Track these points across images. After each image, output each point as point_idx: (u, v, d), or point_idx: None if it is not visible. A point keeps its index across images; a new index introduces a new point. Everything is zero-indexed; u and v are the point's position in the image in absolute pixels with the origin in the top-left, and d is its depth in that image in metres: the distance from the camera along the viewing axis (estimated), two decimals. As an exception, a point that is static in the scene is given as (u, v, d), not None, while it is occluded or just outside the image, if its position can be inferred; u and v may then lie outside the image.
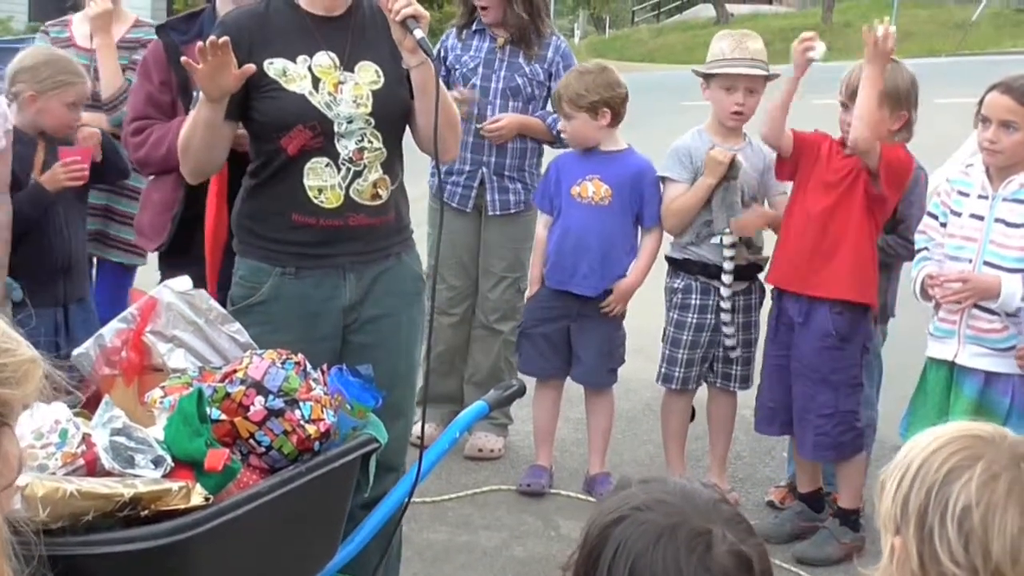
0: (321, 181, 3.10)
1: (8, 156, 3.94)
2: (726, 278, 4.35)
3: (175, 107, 3.69)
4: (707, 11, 37.05)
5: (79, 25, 4.79)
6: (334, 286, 3.17)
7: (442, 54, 4.92)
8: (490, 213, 4.84)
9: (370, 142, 3.12)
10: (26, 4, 24.43)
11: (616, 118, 4.46)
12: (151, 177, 3.86)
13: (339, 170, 3.11)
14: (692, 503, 1.46)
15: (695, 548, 1.41)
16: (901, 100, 3.96)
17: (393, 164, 3.19)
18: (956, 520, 1.50)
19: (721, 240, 4.34)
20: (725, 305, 4.38)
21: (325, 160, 3.10)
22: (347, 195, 3.12)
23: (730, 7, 35.72)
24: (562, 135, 4.59)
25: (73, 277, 4.25)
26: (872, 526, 4.23)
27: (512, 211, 4.85)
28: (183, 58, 2.96)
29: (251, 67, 2.98)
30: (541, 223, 4.62)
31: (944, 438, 1.57)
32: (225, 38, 2.91)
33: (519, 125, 4.77)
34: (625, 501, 1.49)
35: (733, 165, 4.27)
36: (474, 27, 4.89)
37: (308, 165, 3.09)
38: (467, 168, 4.82)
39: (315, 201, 3.10)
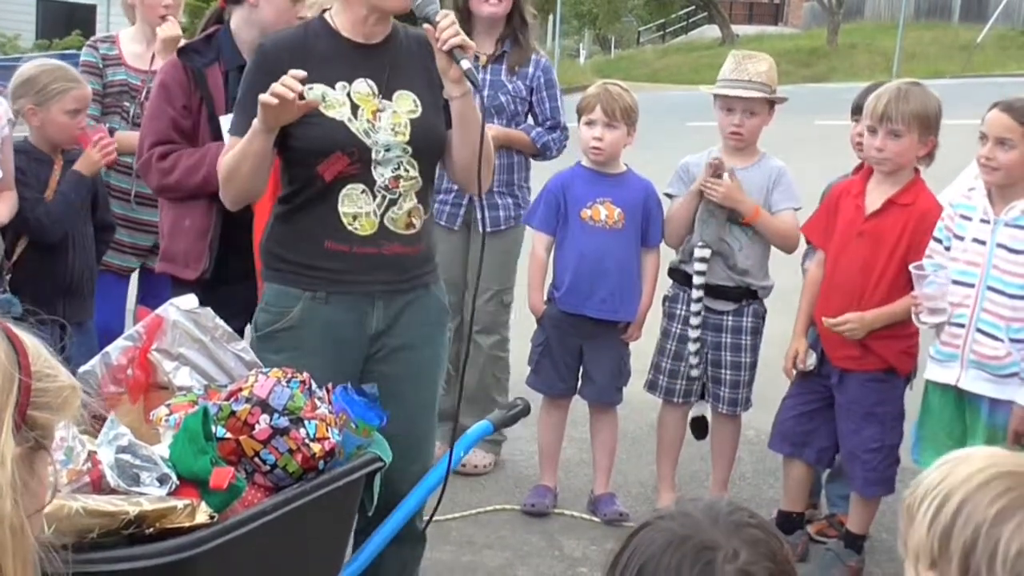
0: (356, 208, 3.06)
1: (10, 147, 4.00)
2: (695, 292, 4.38)
3: (196, 132, 3.66)
4: (712, 32, 37.22)
5: (128, 43, 4.72)
6: (363, 313, 3.13)
7: None
8: (480, 231, 4.82)
9: (406, 170, 3.09)
10: (33, 22, 24.59)
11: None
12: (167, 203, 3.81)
13: (374, 197, 3.07)
14: (714, 519, 1.46)
15: (699, 560, 1.42)
16: (931, 126, 3.91)
17: (426, 194, 3.17)
18: (1009, 563, 1.46)
19: (692, 253, 4.37)
20: (694, 321, 4.41)
21: (361, 187, 3.06)
22: (382, 223, 3.08)
23: (736, 28, 35.90)
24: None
25: (75, 299, 4.23)
26: (876, 549, 4.23)
27: (502, 227, 4.85)
28: (262, 95, 2.87)
29: (316, 101, 2.97)
30: (542, 244, 4.58)
31: (988, 472, 1.53)
32: (303, 73, 2.88)
33: (503, 138, 4.75)
34: (657, 512, 1.53)
35: (719, 172, 4.28)
36: None
37: (343, 192, 3.05)
38: (454, 187, 4.81)
39: (349, 228, 3.06)
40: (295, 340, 3.08)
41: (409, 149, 3.07)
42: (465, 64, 2.93)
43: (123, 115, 4.61)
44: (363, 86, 3.06)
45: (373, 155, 3.04)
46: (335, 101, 3.03)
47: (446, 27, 2.92)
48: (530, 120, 4.88)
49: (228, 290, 3.47)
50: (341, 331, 3.11)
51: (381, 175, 3.06)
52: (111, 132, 4.47)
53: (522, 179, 4.90)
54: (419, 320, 3.19)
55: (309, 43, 3.08)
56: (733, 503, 1.54)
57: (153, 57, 4.58)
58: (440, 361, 3.28)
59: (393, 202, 3.09)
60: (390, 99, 3.08)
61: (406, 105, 3.09)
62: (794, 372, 4.15)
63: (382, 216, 3.08)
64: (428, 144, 3.11)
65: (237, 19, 3.70)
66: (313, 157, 3.03)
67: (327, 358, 3.03)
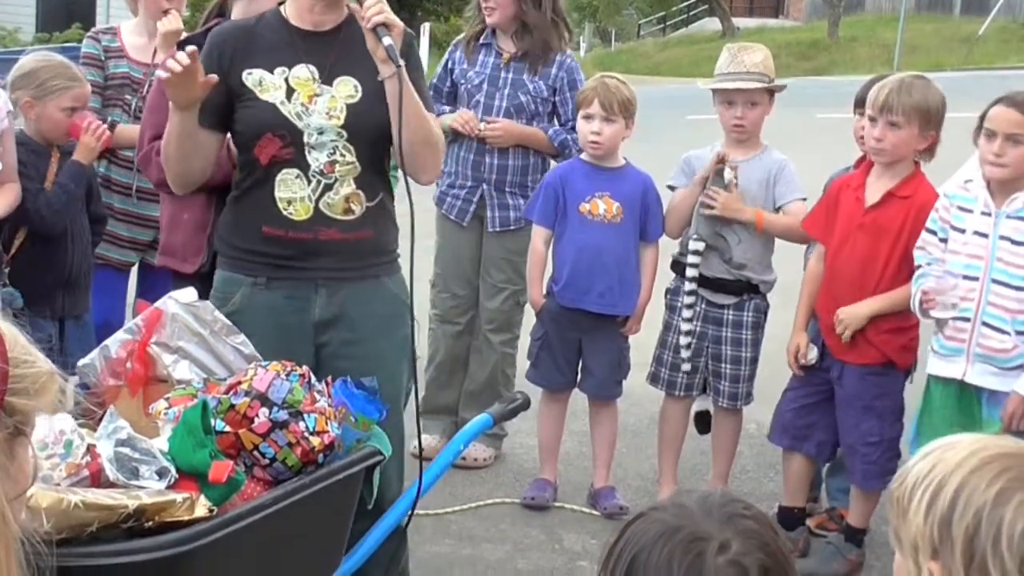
0: (291, 193, 3.09)
1: (11, 139, 4.01)
2: (687, 285, 4.39)
3: None
4: (713, 24, 37.13)
5: (129, 36, 4.70)
6: (305, 299, 3.14)
7: (449, 65, 4.93)
8: (490, 229, 4.83)
9: (342, 155, 3.10)
10: (33, 15, 24.52)
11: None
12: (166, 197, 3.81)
13: (309, 182, 3.09)
14: (707, 510, 1.46)
15: (690, 551, 1.42)
16: (932, 120, 3.88)
17: (370, 180, 3.15)
18: (1015, 543, 1.44)
19: (688, 244, 4.38)
20: (686, 314, 4.41)
21: (295, 172, 3.09)
22: (316, 208, 3.09)
23: (736, 21, 35.79)
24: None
25: (73, 291, 4.22)
26: (876, 542, 4.23)
27: (512, 227, 4.84)
28: (157, 71, 2.97)
29: (214, 77, 2.99)
30: (540, 238, 4.57)
31: (980, 456, 1.51)
32: (193, 48, 2.92)
33: (520, 136, 4.76)
34: (653, 504, 1.53)
35: (721, 166, 4.27)
36: (481, 40, 4.88)
37: (279, 176, 3.09)
38: (468, 184, 4.82)
39: (284, 212, 3.09)
40: (238, 325, 3.01)
41: (344, 133, 3.09)
42: (387, 41, 2.92)
43: (124, 108, 4.59)
44: (303, 71, 3.11)
45: (305, 138, 3.07)
46: (271, 85, 3.09)
47: (371, 5, 2.95)
48: (555, 122, 4.87)
49: None
50: (283, 317, 3.12)
51: (316, 159, 3.09)
52: (112, 126, 4.47)
53: (536, 180, 4.85)
54: (368, 312, 3.17)
55: (256, 31, 3.16)
56: (728, 494, 1.53)
57: (155, 51, 4.57)
58: (399, 354, 3.21)
59: (328, 187, 3.10)
60: (330, 84, 3.11)
61: (346, 90, 3.10)
62: (796, 366, 4.15)
63: (317, 201, 3.10)
64: (364, 129, 3.10)
65: (238, 12, 3.69)
66: (248, 140, 3.10)
67: (272, 345, 2.95)
